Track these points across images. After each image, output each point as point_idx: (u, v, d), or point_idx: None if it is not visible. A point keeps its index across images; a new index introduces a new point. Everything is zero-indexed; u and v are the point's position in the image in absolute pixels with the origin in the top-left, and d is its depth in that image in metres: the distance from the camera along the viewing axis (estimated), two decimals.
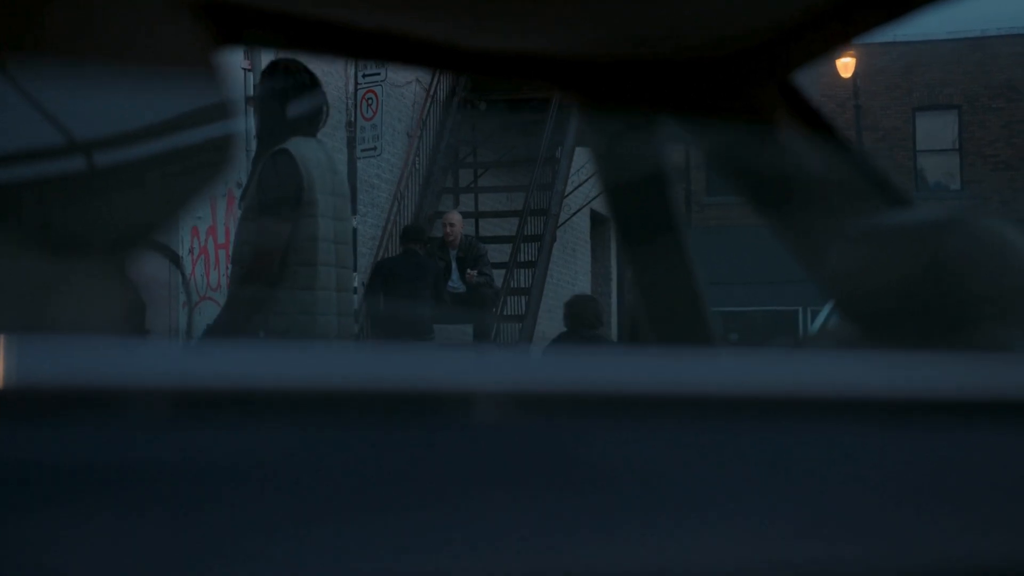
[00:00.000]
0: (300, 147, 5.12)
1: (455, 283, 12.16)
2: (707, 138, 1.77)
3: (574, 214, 17.36)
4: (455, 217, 12.37)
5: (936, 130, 28.12)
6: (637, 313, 1.85)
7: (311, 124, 5.23)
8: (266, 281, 5.03)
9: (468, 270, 12.07)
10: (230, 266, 5.41)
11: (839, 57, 24.24)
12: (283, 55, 5.77)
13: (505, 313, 13.80)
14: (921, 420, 1.02)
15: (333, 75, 12.17)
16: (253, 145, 5.34)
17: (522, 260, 14.19)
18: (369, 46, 1.73)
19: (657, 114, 1.76)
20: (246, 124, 5.28)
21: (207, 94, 1.43)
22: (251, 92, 5.43)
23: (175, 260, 9.89)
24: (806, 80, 1.85)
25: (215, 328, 5.30)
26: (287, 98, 5.16)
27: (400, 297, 10.81)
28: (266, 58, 8.27)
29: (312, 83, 5.27)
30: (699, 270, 1.86)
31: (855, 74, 24.88)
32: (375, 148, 12.56)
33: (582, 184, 16.69)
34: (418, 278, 10.99)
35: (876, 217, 1.64)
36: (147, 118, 1.38)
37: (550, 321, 17.41)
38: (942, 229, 1.53)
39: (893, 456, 1.01)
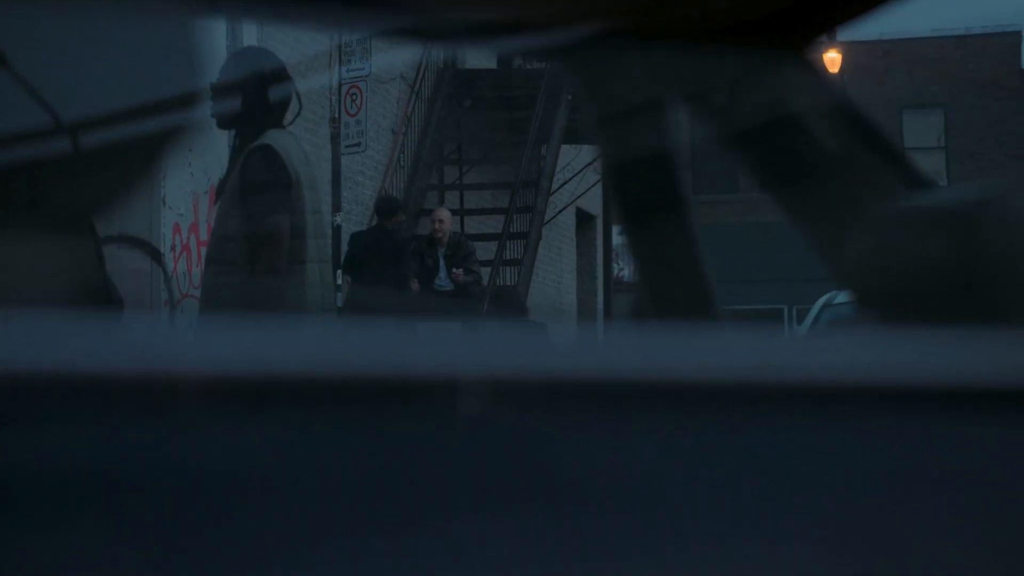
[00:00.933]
0: (280, 141, 4.99)
1: (443, 281, 12.12)
2: (719, 111, 1.65)
3: (560, 212, 17.27)
4: (444, 214, 12.33)
5: (922, 128, 28.09)
6: (641, 300, 1.73)
7: (281, 116, 5.10)
8: (277, 276, 4.91)
9: (454, 269, 12.00)
10: (205, 265, 5.25)
11: (826, 52, 24.18)
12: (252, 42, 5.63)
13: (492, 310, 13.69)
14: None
15: (317, 70, 12.05)
16: (222, 135, 5.22)
17: (508, 258, 14.09)
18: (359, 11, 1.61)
19: (671, 87, 1.64)
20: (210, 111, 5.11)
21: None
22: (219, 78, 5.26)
23: (157, 257, 9.80)
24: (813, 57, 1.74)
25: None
26: (259, 88, 5.02)
27: (369, 272, 10.85)
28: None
29: (282, 73, 5.15)
30: (706, 254, 1.74)
31: (841, 71, 24.82)
32: (359, 144, 12.45)
33: (568, 181, 16.59)
34: (387, 252, 11.01)
35: (904, 198, 1.53)
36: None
37: (535, 318, 17.31)
38: (979, 209, 1.41)
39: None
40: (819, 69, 1.67)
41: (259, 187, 4.94)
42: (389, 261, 11.11)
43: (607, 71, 1.68)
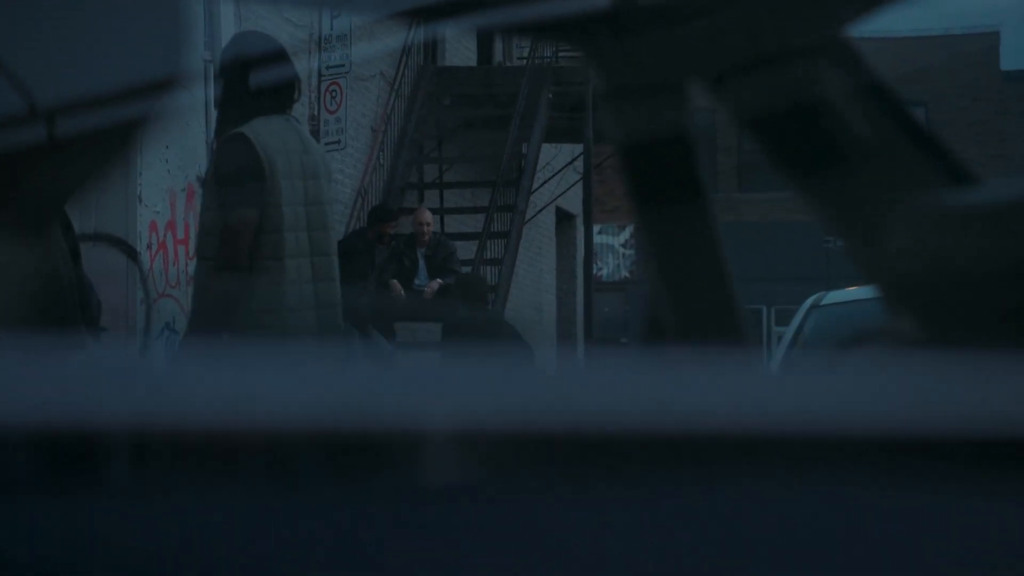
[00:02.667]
0: (259, 129, 4.78)
1: (423, 282, 12.04)
2: (743, 93, 1.52)
3: (540, 211, 17.16)
4: (428, 216, 12.28)
5: None
6: (654, 294, 1.60)
7: (280, 101, 4.90)
8: (236, 273, 4.70)
9: (429, 282, 11.92)
10: (194, 260, 5.08)
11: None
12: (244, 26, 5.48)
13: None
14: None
15: (296, 66, 11.90)
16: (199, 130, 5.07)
17: (488, 257, 13.97)
18: None
19: (691, 65, 1.51)
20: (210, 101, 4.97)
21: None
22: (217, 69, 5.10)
23: (133, 256, 9.64)
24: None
25: (192, 330, 4.99)
26: (253, 73, 4.83)
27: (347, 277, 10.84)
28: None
29: (281, 56, 4.96)
30: (727, 252, 1.61)
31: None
32: (339, 142, 12.33)
33: (548, 180, 16.48)
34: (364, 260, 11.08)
35: (949, 192, 1.39)
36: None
37: (515, 321, 17.21)
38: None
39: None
40: (854, 51, 1.54)
41: (223, 179, 4.76)
42: (365, 269, 11.14)
43: (626, 47, 1.55)
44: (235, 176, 4.73)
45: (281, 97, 4.87)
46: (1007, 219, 1.39)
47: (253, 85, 4.77)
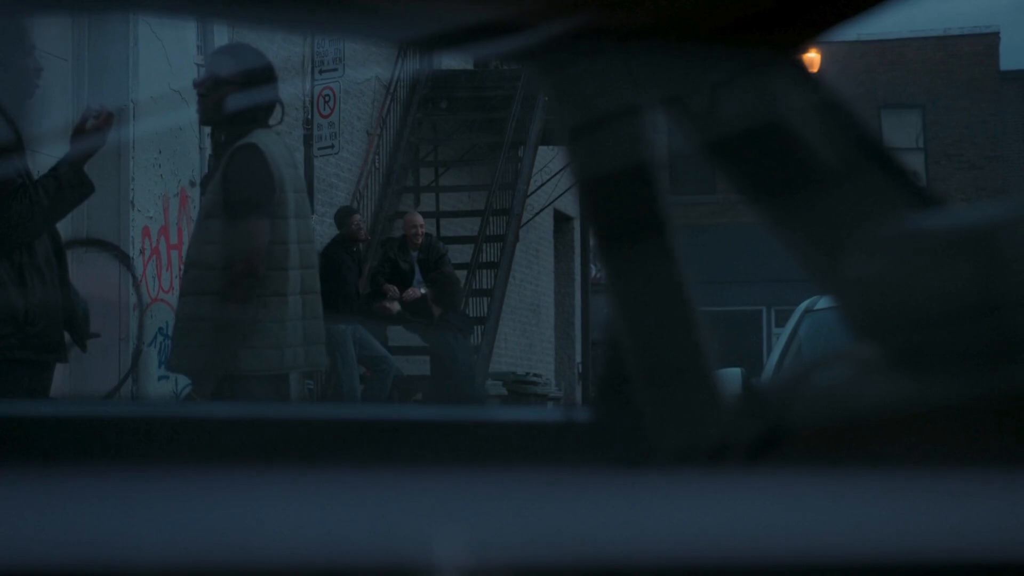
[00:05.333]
0: (265, 141, 4.79)
1: (418, 285, 12.05)
2: (702, 116, 1.49)
3: (537, 214, 17.13)
4: (420, 219, 12.33)
5: (901, 129, 28.03)
6: (615, 328, 1.57)
7: (266, 116, 4.90)
8: (251, 286, 4.68)
9: (405, 293, 11.95)
10: (185, 268, 5.03)
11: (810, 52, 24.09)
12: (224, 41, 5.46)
13: (467, 315, 13.55)
14: None
15: (290, 71, 11.89)
16: (192, 137, 5.03)
17: (484, 261, 13.95)
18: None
19: (649, 90, 1.48)
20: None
21: None
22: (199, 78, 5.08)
23: (125, 261, 9.61)
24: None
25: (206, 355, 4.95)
26: (244, 86, 4.82)
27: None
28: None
29: (269, 71, 4.95)
30: (690, 281, 1.58)
31: (820, 71, 24.72)
32: (332, 146, 12.30)
33: (545, 183, 16.45)
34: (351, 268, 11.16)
35: (912, 217, 1.37)
36: None
37: (512, 323, 17.19)
38: (1001, 231, 1.26)
39: None
40: (814, 72, 1.51)
41: (239, 190, 4.73)
42: (352, 274, 11.20)
43: (581, 73, 1.52)
44: (251, 187, 4.71)
45: (268, 113, 4.88)
46: (969, 244, 1.36)
47: (247, 98, 4.77)
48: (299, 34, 11.27)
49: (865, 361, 1.48)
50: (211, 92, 4.86)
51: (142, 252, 9.79)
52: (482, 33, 1.51)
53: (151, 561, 1.10)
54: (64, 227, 9.56)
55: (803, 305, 8.08)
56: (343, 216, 11.69)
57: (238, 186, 4.72)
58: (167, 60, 9.40)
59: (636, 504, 1.36)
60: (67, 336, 4.81)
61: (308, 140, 12.33)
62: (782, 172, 1.48)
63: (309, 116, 12.33)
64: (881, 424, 1.40)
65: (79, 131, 4.61)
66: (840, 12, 1.38)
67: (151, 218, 9.81)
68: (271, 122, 4.89)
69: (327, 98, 12.15)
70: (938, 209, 1.45)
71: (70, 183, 4.57)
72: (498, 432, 1.58)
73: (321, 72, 12.11)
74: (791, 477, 1.39)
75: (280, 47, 11.64)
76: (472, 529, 1.27)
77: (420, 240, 12.15)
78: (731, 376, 6.05)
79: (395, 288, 12.02)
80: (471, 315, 13.20)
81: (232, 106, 4.80)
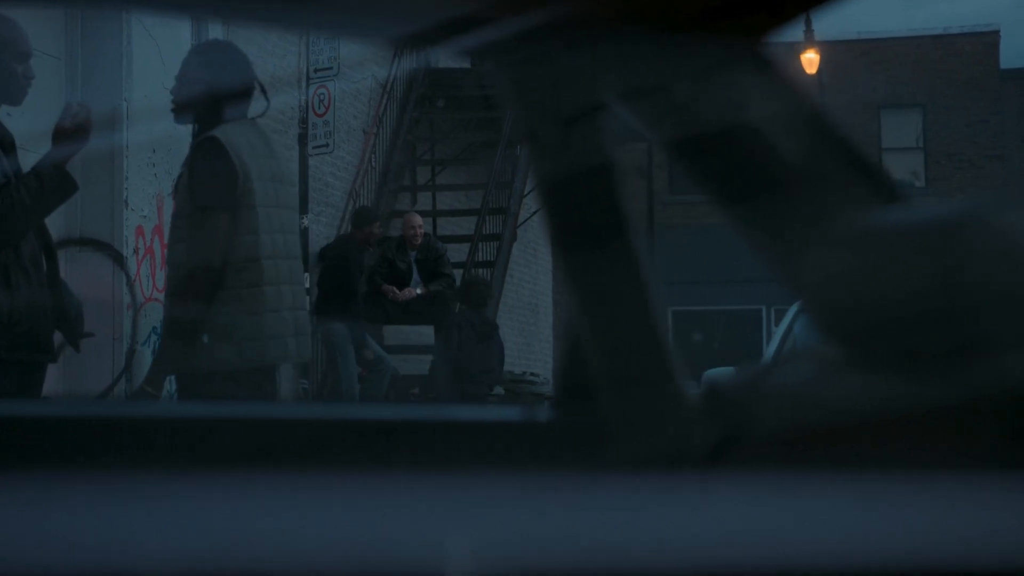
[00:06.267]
0: (229, 132, 4.77)
1: (417, 285, 12.07)
2: (660, 114, 1.46)
3: (535, 213, 17.09)
4: (419, 219, 12.34)
5: (901, 128, 28.00)
6: (578, 335, 1.54)
7: (240, 109, 4.89)
8: (209, 282, 4.65)
9: (402, 292, 11.96)
10: (167, 269, 5.02)
11: (804, 52, 24.08)
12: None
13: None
14: None
15: (285, 70, 11.87)
16: (187, 134, 4.99)
17: (481, 260, 13.92)
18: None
19: (610, 89, 1.45)
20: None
21: None
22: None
23: (119, 261, 9.58)
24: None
25: (163, 349, 4.94)
26: (214, 81, 4.82)
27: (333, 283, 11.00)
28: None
29: (241, 63, 4.95)
30: (657, 290, 1.55)
31: (819, 71, 24.70)
32: (327, 145, 12.27)
33: None
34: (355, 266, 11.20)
35: (875, 214, 1.34)
36: None
37: (510, 322, 17.17)
38: (961, 228, 1.23)
39: None
40: (780, 69, 1.48)
41: (198, 184, 4.72)
42: (355, 273, 11.22)
43: (540, 71, 1.49)
44: (210, 179, 4.69)
45: (244, 103, 4.87)
46: (930, 241, 1.33)
47: (217, 93, 4.77)
48: (297, 34, 11.27)
49: (830, 360, 1.45)
50: (179, 90, 4.88)
51: (136, 251, 9.76)
52: (439, 30, 1.49)
53: (148, 566, 1.08)
54: (57, 226, 9.53)
55: (796, 306, 8.08)
56: (363, 219, 11.65)
57: (198, 180, 4.71)
58: (161, 58, 9.36)
59: (596, 509, 1.33)
60: (60, 336, 4.79)
61: (303, 139, 12.31)
62: (743, 168, 1.45)
63: (304, 115, 12.31)
64: (843, 427, 1.37)
65: (60, 129, 4.58)
66: (799, 2, 1.35)
67: (145, 217, 9.78)
68: (251, 115, 4.88)
69: (322, 97, 12.13)
70: (903, 205, 1.42)
71: (52, 182, 4.54)
72: (457, 432, 1.56)
73: (316, 71, 12.09)
74: (753, 481, 1.36)
75: (275, 45, 11.62)
76: (425, 535, 1.24)
77: (419, 241, 12.16)
78: (724, 376, 6.03)
79: (395, 289, 12.02)
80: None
81: (201, 103, 4.80)
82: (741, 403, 1.47)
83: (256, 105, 4.93)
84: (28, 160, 4.72)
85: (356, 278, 11.25)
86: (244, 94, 4.88)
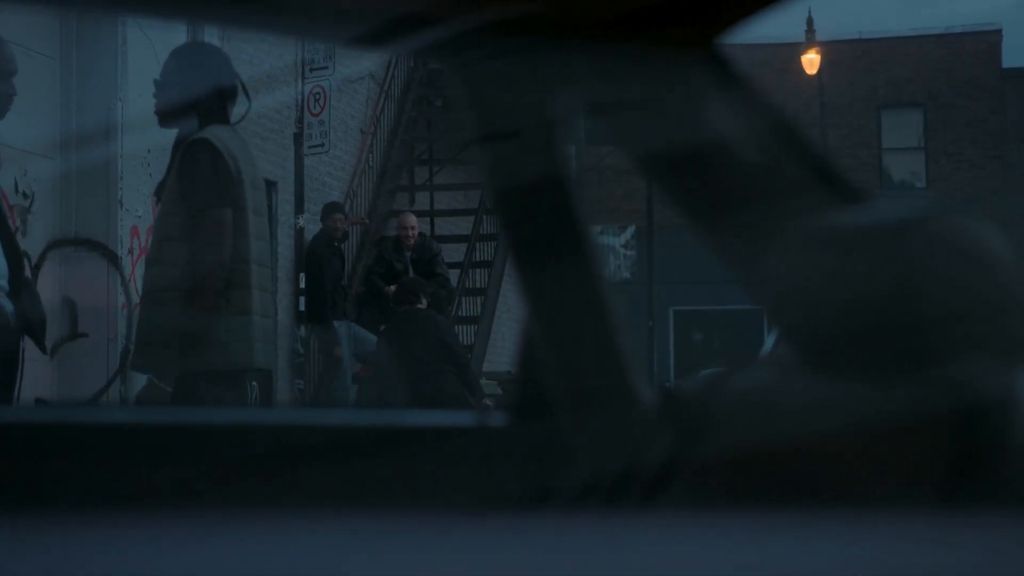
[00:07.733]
0: (219, 135, 4.76)
1: None
2: (615, 114, 1.43)
3: None
4: (414, 219, 12.32)
5: (901, 128, 27.95)
6: (533, 348, 1.51)
7: (225, 110, 4.87)
8: (218, 283, 4.65)
9: (387, 289, 12.00)
10: (146, 267, 4.99)
11: (805, 54, 24.05)
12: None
13: (460, 314, 13.52)
14: None
15: (282, 70, 11.84)
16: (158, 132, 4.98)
17: (478, 260, 13.90)
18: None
19: (565, 92, 1.43)
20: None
21: None
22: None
23: (114, 261, 9.57)
24: (753, 64, 1.53)
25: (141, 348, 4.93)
26: (198, 84, 4.80)
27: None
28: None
29: (222, 64, 4.93)
30: (611, 297, 1.52)
31: (820, 71, 24.65)
32: (323, 145, 12.24)
33: None
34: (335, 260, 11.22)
35: (824, 217, 1.31)
36: None
37: (508, 322, 17.13)
38: (904, 232, 1.20)
39: None
40: (738, 72, 1.46)
41: (195, 186, 4.70)
42: (337, 270, 11.23)
43: (493, 75, 1.47)
44: (206, 182, 4.67)
45: (227, 107, 4.85)
46: (888, 240, 1.31)
47: (202, 97, 4.75)
48: (293, 39, 11.24)
49: (789, 366, 1.43)
50: (161, 95, 4.87)
51: (131, 251, 9.75)
52: (390, 29, 1.46)
53: None
54: (52, 227, 9.53)
55: None
56: (325, 212, 11.74)
57: (194, 182, 4.69)
58: (156, 59, 9.34)
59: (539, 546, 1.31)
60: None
61: (298, 139, 12.28)
62: (699, 170, 1.43)
63: (300, 115, 12.29)
64: (797, 440, 1.34)
65: None
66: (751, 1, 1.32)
67: (140, 217, 9.76)
68: (232, 119, 4.87)
69: (317, 96, 12.10)
70: (859, 207, 1.39)
71: None
72: (408, 437, 1.53)
73: (312, 70, 12.06)
74: (707, 503, 1.33)
75: (271, 45, 11.58)
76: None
77: (413, 241, 12.15)
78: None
79: (393, 289, 12.04)
80: (463, 315, 13.13)
81: (184, 106, 4.79)
82: (697, 411, 1.44)
83: (238, 108, 4.92)
84: (28, 165, 4.70)
85: (328, 274, 11.30)
86: (227, 96, 4.87)
